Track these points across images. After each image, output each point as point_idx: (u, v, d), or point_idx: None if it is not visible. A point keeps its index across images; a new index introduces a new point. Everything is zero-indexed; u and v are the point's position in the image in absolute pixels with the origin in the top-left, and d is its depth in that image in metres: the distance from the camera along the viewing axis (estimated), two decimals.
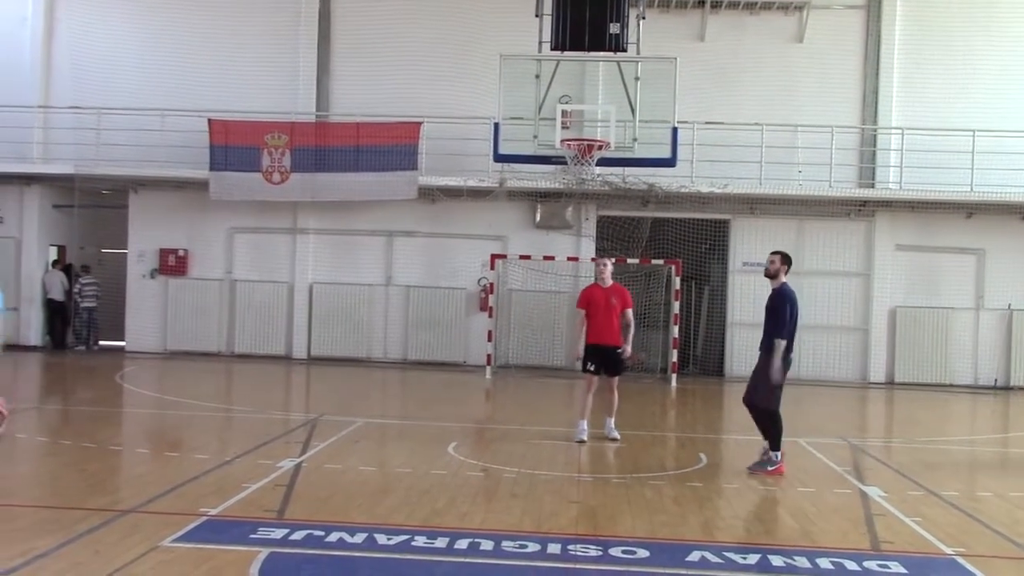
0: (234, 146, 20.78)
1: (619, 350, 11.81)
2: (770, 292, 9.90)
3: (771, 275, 9.93)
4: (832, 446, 11.94)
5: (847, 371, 20.85)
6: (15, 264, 22.47)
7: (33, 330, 22.58)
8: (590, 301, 11.91)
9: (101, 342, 23.19)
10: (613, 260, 12.90)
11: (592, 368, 11.84)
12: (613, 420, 11.95)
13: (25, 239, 22.56)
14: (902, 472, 10.49)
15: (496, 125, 15.37)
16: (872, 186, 20.98)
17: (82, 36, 22.48)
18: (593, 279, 12.29)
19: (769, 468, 9.77)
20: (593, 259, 19.39)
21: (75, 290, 22.81)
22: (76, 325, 23.02)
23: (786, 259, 9.94)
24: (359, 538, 6.95)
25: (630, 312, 11.97)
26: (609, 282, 12.00)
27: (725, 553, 6.88)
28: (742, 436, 12.11)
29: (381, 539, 6.94)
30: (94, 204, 23.21)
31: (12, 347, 21.71)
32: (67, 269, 23.26)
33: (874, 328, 20.94)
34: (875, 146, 21.29)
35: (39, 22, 22.49)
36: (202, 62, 21.88)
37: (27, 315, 22.52)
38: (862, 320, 21.04)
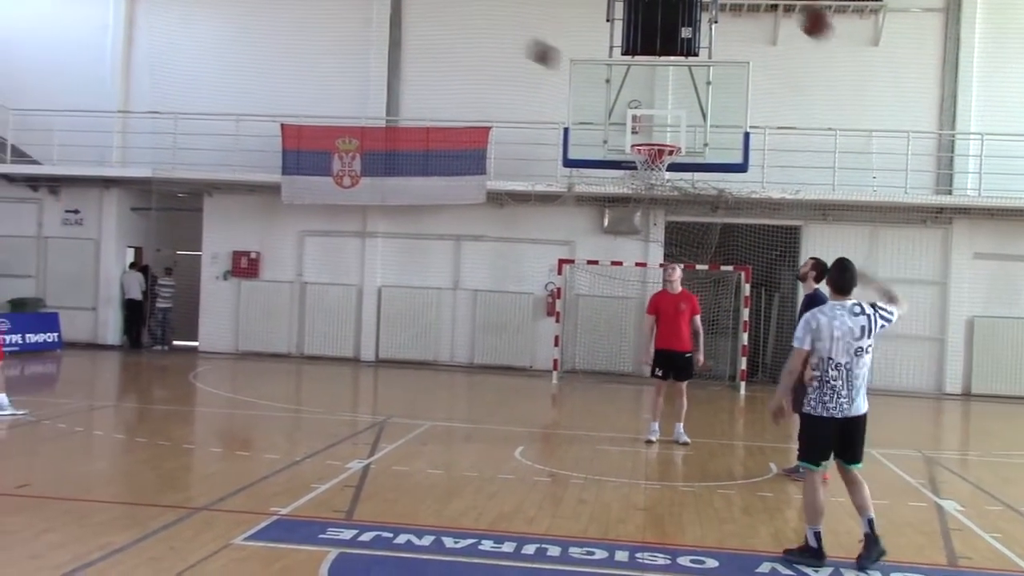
0: (306, 150, 21.06)
1: (688, 355, 11.81)
2: (803, 297, 10.03)
3: (800, 278, 10.14)
4: (906, 458, 11.68)
5: (922, 382, 20.37)
6: (94, 265, 23.05)
7: (111, 330, 23.13)
8: (659, 307, 11.96)
9: (174, 342, 23.66)
10: (682, 266, 12.83)
11: (660, 373, 11.90)
12: (682, 425, 11.98)
13: (104, 240, 23.13)
14: (980, 486, 10.22)
15: (566, 130, 15.33)
16: (949, 192, 20.50)
17: (160, 43, 23.03)
18: (661, 285, 12.23)
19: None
20: (662, 265, 19.29)
21: (153, 291, 23.34)
22: (151, 325, 23.53)
23: (819, 266, 9.85)
24: (427, 541, 6.98)
25: (698, 318, 12.00)
26: (678, 288, 12.00)
27: (797, 566, 6.76)
28: None
29: (448, 542, 6.96)
30: (170, 207, 23.72)
31: (91, 346, 22.30)
32: (144, 270, 23.79)
33: (950, 338, 20.43)
34: (953, 152, 20.78)
35: (119, 30, 23.07)
36: (276, 68, 22.25)
37: (104, 315, 23.09)
38: (938, 330, 20.54)
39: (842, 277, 6.97)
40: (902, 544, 7.52)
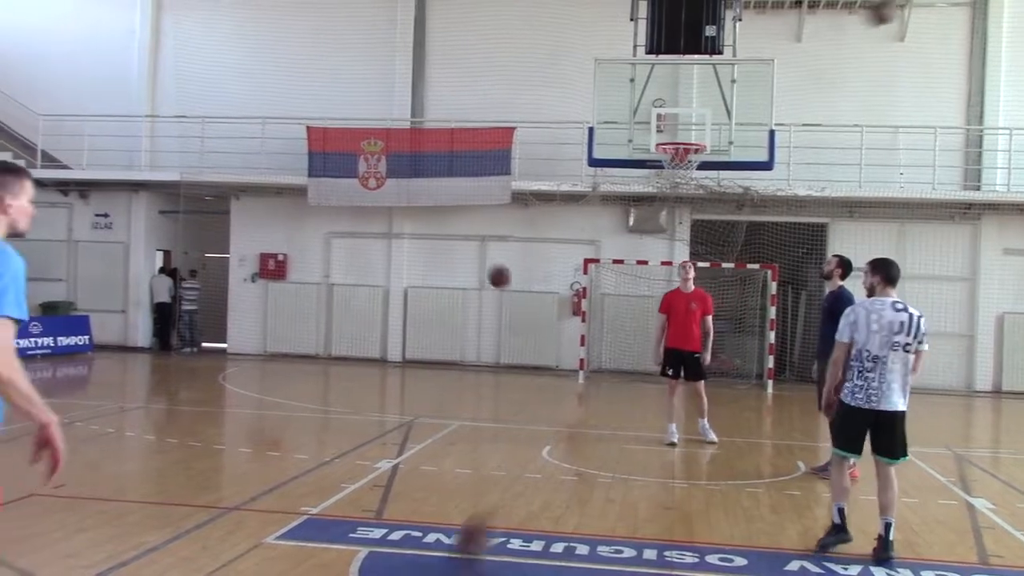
0: (332, 152, 21.19)
1: (697, 355, 11.77)
2: (826, 294, 10.08)
3: (825, 276, 10.21)
4: (936, 456, 11.60)
5: (951, 379, 20.19)
6: (123, 268, 23.29)
7: (140, 332, 23.36)
8: (671, 306, 11.93)
9: (203, 344, 23.85)
10: (695, 264, 12.80)
11: (670, 372, 11.87)
12: (707, 421, 11.95)
13: (133, 244, 23.37)
14: (1011, 484, 10.15)
15: (590, 129, 15.34)
16: (978, 188, 20.33)
17: (186, 48, 23.25)
18: (693, 284, 12.18)
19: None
20: (682, 263, 19.24)
21: (178, 294, 23.56)
22: (179, 327, 23.75)
23: (844, 263, 9.98)
24: (455, 540, 7.01)
25: (710, 319, 11.93)
26: (691, 287, 11.95)
27: (825, 563, 6.76)
28: None
29: None
30: (198, 210, 23.93)
31: (121, 348, 22.53)
32: (172, 273, 24.01)
33: (980, 335, 20.26)
34: (981, 147, 20.61)
35: (146, 35, 23.30)
36: (301, 71, 22.40)
37: (134, 318, 23.32)
38: (967, 327, 20.37)
39: (891, 270, 7.22)
40: (933, 542, 7.49)
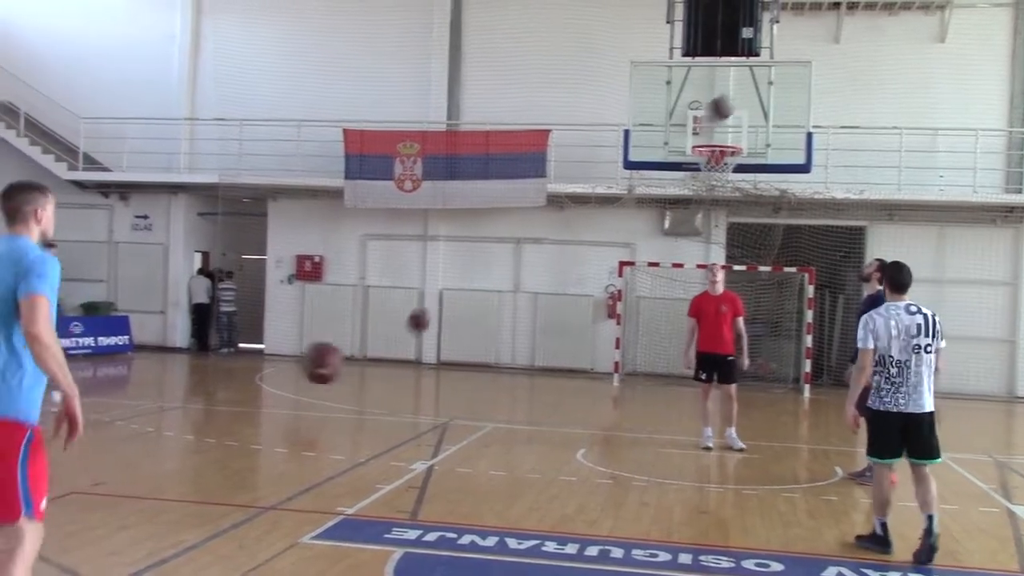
0: (368, 155, 21.30)
1: (730, 358, 11.67)
2: (864, 297, 10.18)
3: (863, 278, 10.34)
4: (977, 463, 11.45)
5: (992, 385, 19.89)
6: (163, 269, 23.56)
7: (179, 333, 23.62)
8: (700, 309, 11.83)
9: (240, 344, 24.06)
10: (725, 267, 12.72)
11: (704, 377, 11.76)
12: (734, 429, 11.76)
13: (172, 245, 23.63)
14: None
15: (626, 132, 15.30)
16: (1020, 191, 20.05)
17: (225, 52, 23.46)
18: (722, 286, 12.10)
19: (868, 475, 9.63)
20: (700, 265, 19.17)
21: (215, 295, 23.81)
22: (217, 328, 23.98)
23: (884, 268, 9.87)
24: (491, 541, 7.04)
25: (741, 320, 11.84)
26: (720, 290, 11.87)
27: (863, 570, 6.70)
28: None
29: (512, 543, 7.01)
30: (235, 212, 24.14)
31: (160, 348, 22.79)
32: (209, 275, 24.26)
33: (1022, 340, 19.97)
34: (1023, 149, 20.32)
35: (186, 39, 23.55)
36: (338, 74, 22.52)
37: (173, 318, 23.58)
38: (1009, 331, 20.07)
39: (899, 276, 7.35)
40: (973, 549, 7.40)
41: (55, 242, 12.23)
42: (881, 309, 7.28)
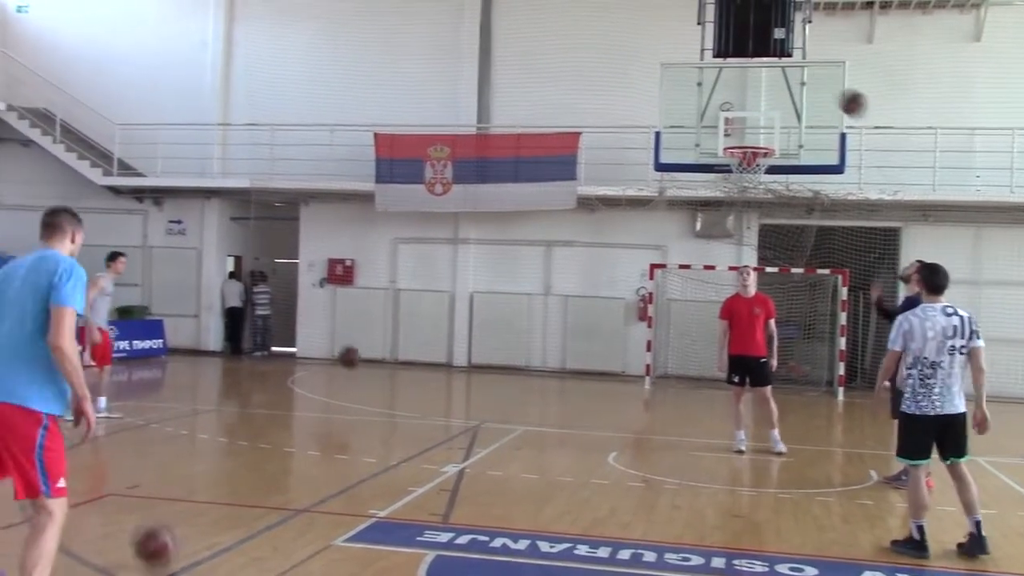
0: (399, 159, 21.37)
1: (762, 360, 11.58)
2: (903, 299, 10.14)
3: (903, 278, 10.42)
4: (1016, 467, 11.29)
5: None
6: (196, 273, 23.77)
7: (212, 336, 23.81)
8: (732, 311, 11.75)
9: (273, 348, 24.22)
10: (757, 269, 12.64)
11: (736, 380, 11.66)
12: (777, 431, 11.64)
13: (205, 249, 23.84)
14: None
15: (657, 134, 15.24)
16: None
17: (257, 57, 23.63)
18: (753, 288, 12.01)
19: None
20: (733, 268, 19.03)
21: (250, 299, 24.00)
22: (252, 331, 24.17)
23: (920, 270, 9.82)
24: (522, 545, 7.03)
25: (773, 322, 11.75)
26: (752, 292, 11.78)
27: (899, 575, 6.62)
28: None
29: (544, 546, 7.00)
30: (268, 216, 24.29)
31: (193, 352, 22.99)
32: (251, 277, 24.45)
33: None
34: None
35: (219, 45, 23.75)
36: (369, 78, 22.62)
37: (206, 322, 23.77)
38: None
39: (935, 278, 7.37)
40: (1013, 555, 7.29)
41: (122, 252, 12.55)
42: (917, 310, 7.28)
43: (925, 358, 7.09)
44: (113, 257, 12.93)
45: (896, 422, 9.98)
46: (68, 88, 23.30)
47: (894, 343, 7.24)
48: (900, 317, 7.33)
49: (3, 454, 4.96)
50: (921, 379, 7.11)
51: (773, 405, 11.66)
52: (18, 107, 23.13)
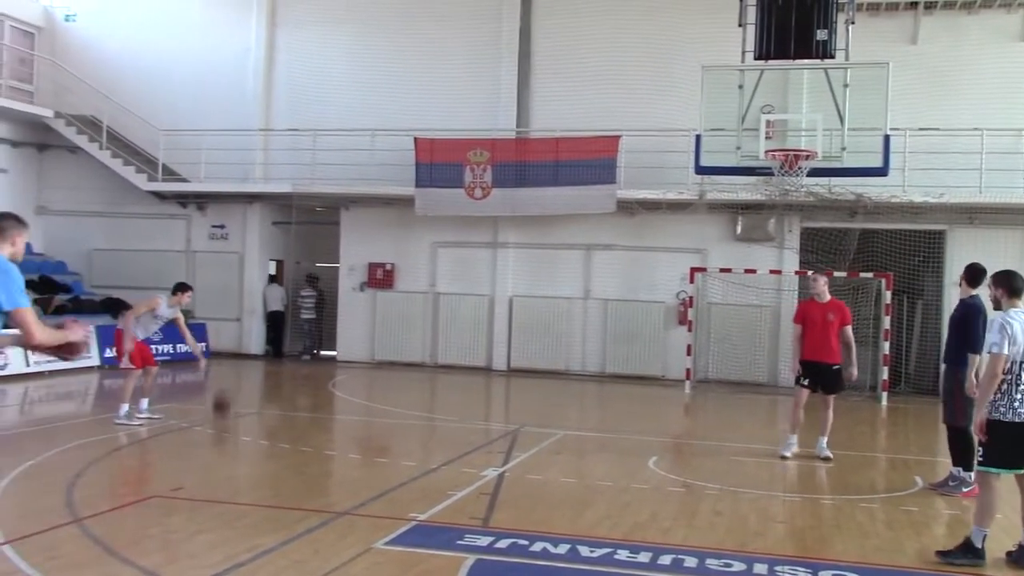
0: (438, 163, 21.44)
1: (836, 367, 11.42)
2: (958, 303, 9.82)
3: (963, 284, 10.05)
4: None
5: None
6: (238, 277, 24.01)
7: (254, 340, 24.03)
8: (806, 316, 11.58)
9: (319, 351, 24.41)
10: (827, 274, 12.50)
11: (806, 383, 11.49)
12: (826, 439, 11.51)
13: (247, 254, 24.07)
14: None
15: (698, 137, 15.18)
16: None
17: (299, 63, 23.83)
18: (795, 292, 11.91)
19: (964, 490, 9.40)
20: (798, 272, 18.89)
21: (296, 302, 24.26)
22: (299, 334, 24.46)
23: (998, 275, 9.64)
24: (562, 549, 7.02)
25: (849, 329, 11.53)
26: (826, 297, 11.61)
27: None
28: None
29: (584, 551, 6.98)
30: (309, 220, 24.50)
31: (236, 355, 23.22)
32: (282, 282, 24.70)
33: None
34: None
35: (261, 52, 23.98)
36: (408, 83, 22.73)
37: (248, 326, 24.00)
38: None
39: (1015, 282, 7.26)
40: None
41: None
42: (1012, 313, 7.09)
43: (1020, 363, 6.92)
44: (181, 288, 12.92)
45: (945, 427, 9.89)
46: (114, 95, 23.65)
47: (1000, 347, 6.94)
48: (1000, 320, 7.06)
49: None
50: (1018, 384, 6.92)
51: (831, 413, 11.53)
52: (66, 114, 23.51)
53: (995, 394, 6.97)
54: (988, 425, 7.00)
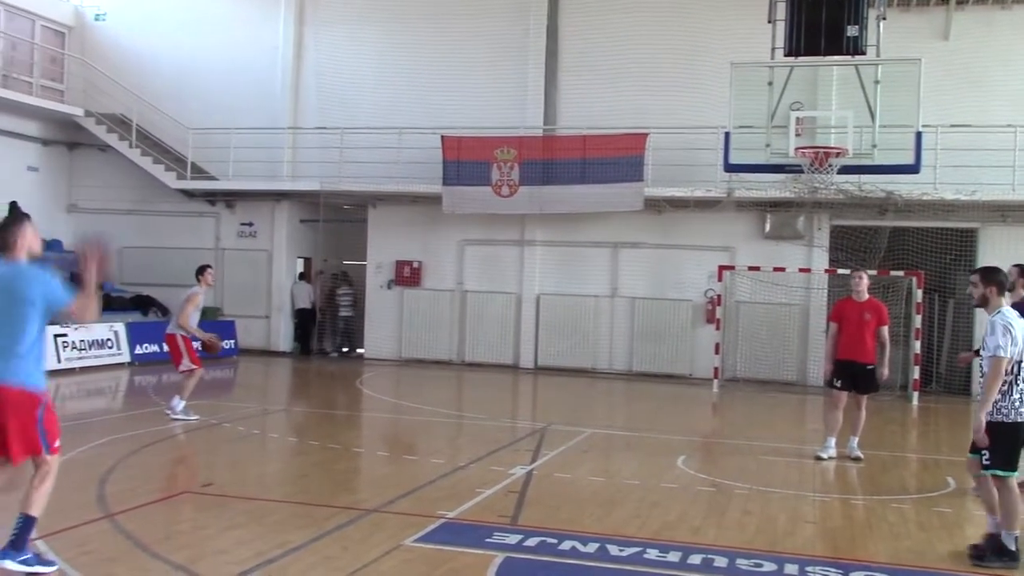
0: (465, 161, 21.44)
1: (870, 368, 11.29)
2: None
3: (1009, 289, 9.88)
4: None
5: None
6: (267, 275, 24.13)
7: (282, 337, 24.15)
8: (842, 314, 11.44)
9: (354, 349, 24.54)
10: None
11: (839, 384, 11.34)
12: (857, 439, 11.40)
13: (276, 252, 24.18)
14: None
15: (727, 134, 15.08)
16: None
17: (326, 62, 23.92)
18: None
19: None
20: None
21: (333, 300, 24.52)
22: (333, 331, 24.64)
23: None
24: (591, 548, 7.00)
25: (886, 330, 11.36)
26: (865, 296, 11.47)
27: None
28: None
29: (613, 550, 6.96)
30: (337, 218, 24.59)
31: (264, 353, 23.35)
32: (310, 280, 24.81)
33: None
34: None
35: (289, 50, 24.08)
36: (436, 81, 22.75)
37: (277, 323, 24.12)
38: None
39: (1003, 278, 7.35)
40: None
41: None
42: (1007, 314, 7.05)
43: (1021, 363, 6.95)
44: (204, 269, 13.15)
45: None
46: (143, 94, 23.84)
47: (1006, 351, 6.92)
48: (1001, 323, 7.01)
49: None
50: (1017, 384, 6.94)
51: (863, 413, 11.43)
52: (96, 113, 23.71)
53: (999, 396, 6.94)
54: (993, 427, 6.94)
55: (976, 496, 9.58)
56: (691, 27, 21.27)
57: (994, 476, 6.99)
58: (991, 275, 7.26)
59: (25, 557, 5.83)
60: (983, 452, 7.02)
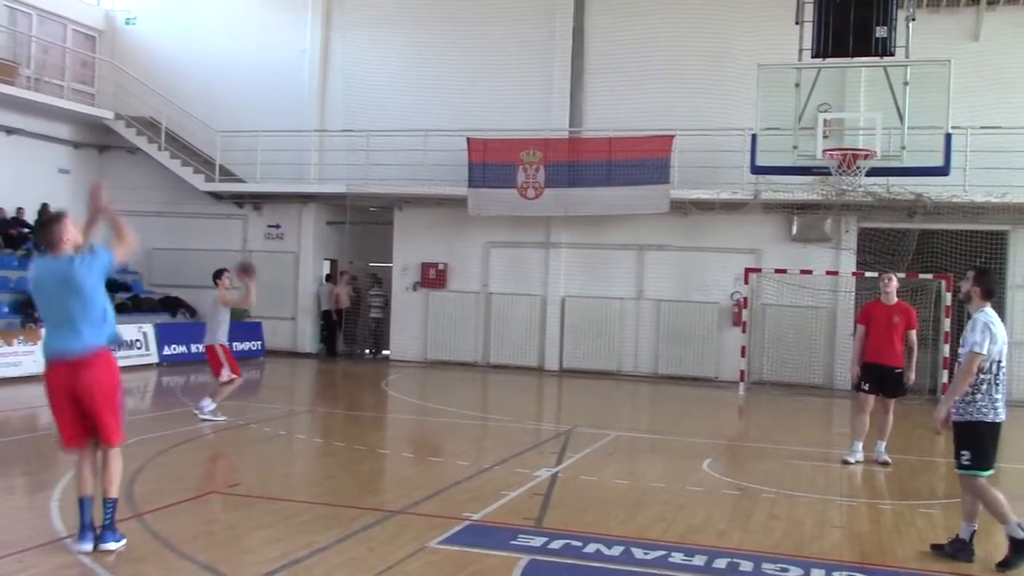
0: (491, 163, 21.47)
1: (898, 371, 11.19)
2: None
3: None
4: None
5: None
6: (293, 277, 24.26)
7: (308, 339, 24.27)
8: (870, 317, 11.34)
9: (377, 351, 24.65)
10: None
11: (866, 388, 11.25)
12: (884, 443, 11.31)
13: (302, 253, 24.31)
14: None
15: (753, 136, 15.03)
16: None
17: (353, 65, 24.05)
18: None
19: None
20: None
21: (365, 302, 24.70)
22: (365, 333, 24.84)
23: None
24: (616, 551, 6.98)
25: (914, 334, 11.24)
26: (894, 299, 11.36)
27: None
28: None
29: (638, 553, 6.94)
30: (363, 220, 24.68)
31: (290, 354, 23.47)
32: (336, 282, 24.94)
33: None
34: None
35: (316, 53, 24.22)
36: (462, 83, 22.81)
37: (303, 325, 24.24)
38: None
39: (992, 282, 7.52)
40: None
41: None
42: (989, 315, 7.22)
43: (1000, 363, 7.13)
44: (219, 274, 13.28)
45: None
46: (172, 97, 24.05)
47: (981, 347, 7.09)
48: (984, 321, 7.14)
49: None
50: (996, 384, 7.11)
51: (891, 417, 11.34)
52: (125, 116, 23.95)
53: (977, 395, 7.06)
54: (972, 427, 7.07)
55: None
56: (717, 29, 21.20)
57: (973, 476, 7.10)
58: (983, 278, 7.43)
59: (120, 537, 6.61)
60: (963, 452, 7.12)
